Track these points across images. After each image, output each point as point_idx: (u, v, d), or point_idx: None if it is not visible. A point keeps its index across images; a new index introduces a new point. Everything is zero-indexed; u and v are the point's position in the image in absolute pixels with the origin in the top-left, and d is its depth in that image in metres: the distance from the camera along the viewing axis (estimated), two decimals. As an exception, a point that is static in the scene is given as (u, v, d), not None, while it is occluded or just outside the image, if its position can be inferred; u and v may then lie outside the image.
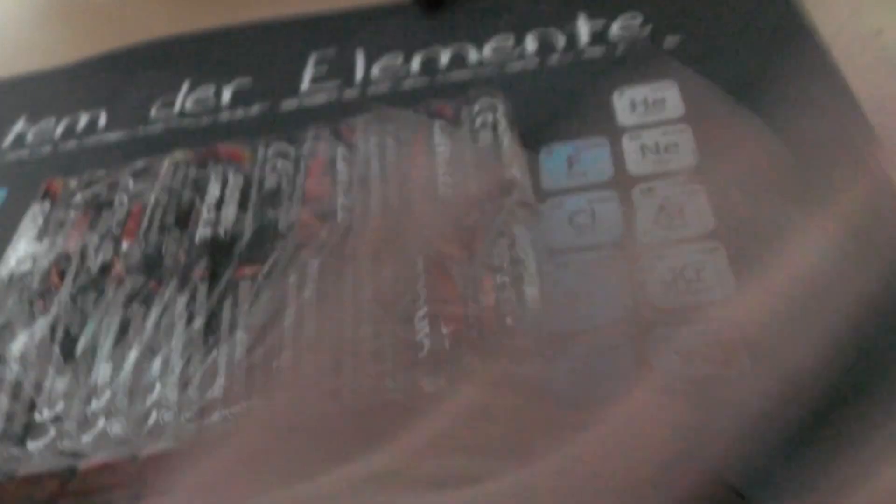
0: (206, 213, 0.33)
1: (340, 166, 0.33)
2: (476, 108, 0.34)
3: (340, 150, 0.34)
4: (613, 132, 0.35)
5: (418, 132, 0.34)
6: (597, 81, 0.37)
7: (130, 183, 0.36)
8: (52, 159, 0.42)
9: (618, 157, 0.34)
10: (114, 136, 0.43)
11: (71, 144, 0.43)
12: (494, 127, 0.33)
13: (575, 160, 0.34)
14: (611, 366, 0.26)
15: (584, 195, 0.33)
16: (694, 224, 0.30)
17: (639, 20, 0.40)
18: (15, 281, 0.33)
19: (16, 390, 0.29)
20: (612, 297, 0.29)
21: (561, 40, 0.40)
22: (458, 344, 0.26)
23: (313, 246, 0.30)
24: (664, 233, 0.30)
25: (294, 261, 0.30)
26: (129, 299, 0.31)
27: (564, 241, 0.31)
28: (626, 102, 0.36)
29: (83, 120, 0.44)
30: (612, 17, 0.41)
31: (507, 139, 0.33)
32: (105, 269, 0.33)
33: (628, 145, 0.34)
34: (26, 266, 0.34)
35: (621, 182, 0.33)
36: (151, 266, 0.32)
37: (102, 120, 0.44)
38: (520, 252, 0.28)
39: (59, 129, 0.44)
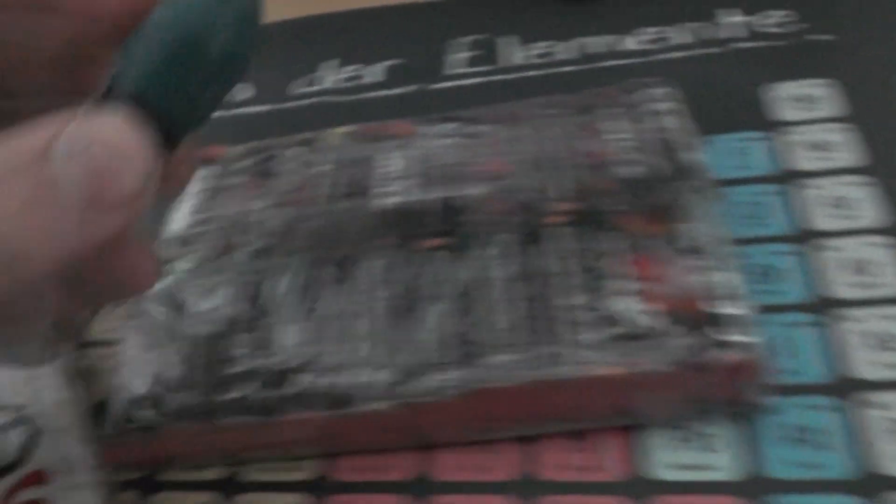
0: (381, 185, 0.33)
1: (514, 146, 0.33)
2: (643, 94, 0.34)
3: (512, 131, 0.34)
4: (770, 127, 0.35)
5: (590, 116, 0.34)
6: (750, 75, 0.37)
7: (298, 152, 0.36)
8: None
9: (777, 153, 0.34)
10: (261, 108, 0.43)
11: (220, 114, 0.43)
12: (662, 114, 0.33)
13: (736, 152, 0.34)
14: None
15: (749, 187, 0.33)
16: (867, 217, 0.30)
17: (790, 16, 0.40)
18: (186, 241, 0.34)
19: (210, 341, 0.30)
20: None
21: (712, 32, 0.40)
22: (674, 323, 0.26)
23: (503, 222, 0.30)
24: (837, 223, 0.30)
25: (487, 236, 0.30)
26: (313, 265, 0.31)
27: (734, 233, 0.31)
28: (781, 97, 0.36)
29: (234, 92, 0.44)
30: (763, 12, 0.41)
31: (679, 125, 0.33)
32: (284, 233, 0.33)
33: (786, 140, 0.34)
34: (196, 229, 0.34)
35: (783, 177, 0.33)
36: (330, 234, 0.32)
37: (250, 92, 0.44)
38: (711, 235, 0.28)
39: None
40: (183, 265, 0.33)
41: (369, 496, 0.27)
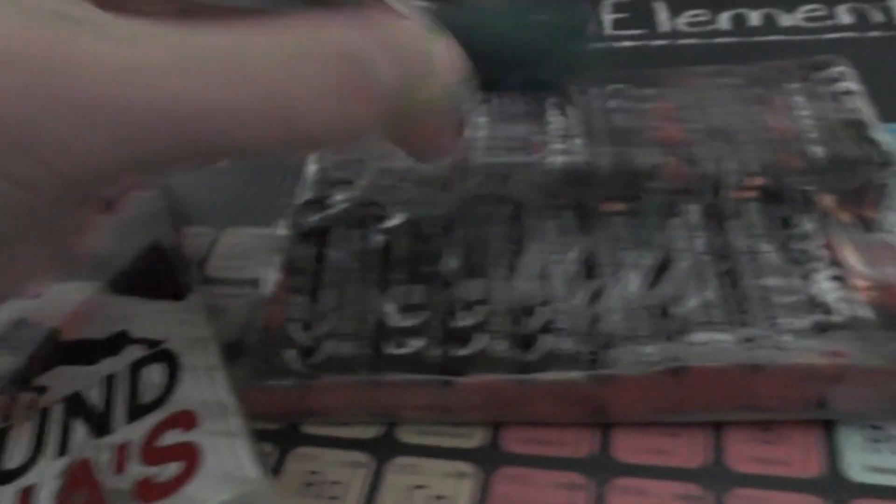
0: (555, 141, 0.31)
1: (693, 113, 0.31)
2: (829, 73, 0.32)
3: (689, 97, 0.32)
4: None
5: (773, 90, 0.32)
6: None
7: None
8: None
9: None
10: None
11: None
12: (844, 94, 0.32)
13: None
14: None
15: None
16: None
17: None
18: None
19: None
20: None
21: (877, 15, 0.38)
22: (876, 317, 0.24)
23: (686, 191, 0.28)
24: None
25: (671, 205, 0.28)
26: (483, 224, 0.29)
27: None
28: None
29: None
30: None
31: (867, 108, 0.31)
32: (440, 182, 0.31)
33: None
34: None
35: None
36: (499, 185, 0.30)
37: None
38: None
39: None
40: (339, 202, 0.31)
41: (542, 472, 0.25)
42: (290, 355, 0.27)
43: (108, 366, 0.27)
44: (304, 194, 0.31)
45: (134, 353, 0.28)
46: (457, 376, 0.25)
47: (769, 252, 0.26)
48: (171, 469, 0.24)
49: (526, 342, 0.26)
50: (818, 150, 0.29)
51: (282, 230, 0.31)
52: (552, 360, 0.25)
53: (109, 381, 0.27)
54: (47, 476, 0.25)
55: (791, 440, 0.25)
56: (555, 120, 0.32)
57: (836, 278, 0.25)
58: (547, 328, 0.26)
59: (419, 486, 0.25)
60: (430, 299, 0.27)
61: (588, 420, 0.26)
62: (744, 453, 0.25)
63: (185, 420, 0.25)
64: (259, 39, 0.17)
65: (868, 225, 0.27)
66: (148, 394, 0.26)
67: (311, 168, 0.33)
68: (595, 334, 0.25)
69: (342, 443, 0.27)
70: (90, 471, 0.25)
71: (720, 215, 0.28)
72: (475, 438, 0.26)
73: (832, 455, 0.25)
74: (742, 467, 0.25)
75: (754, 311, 0.25)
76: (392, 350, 0.26)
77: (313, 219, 0.30)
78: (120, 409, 0.26)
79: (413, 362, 0.26)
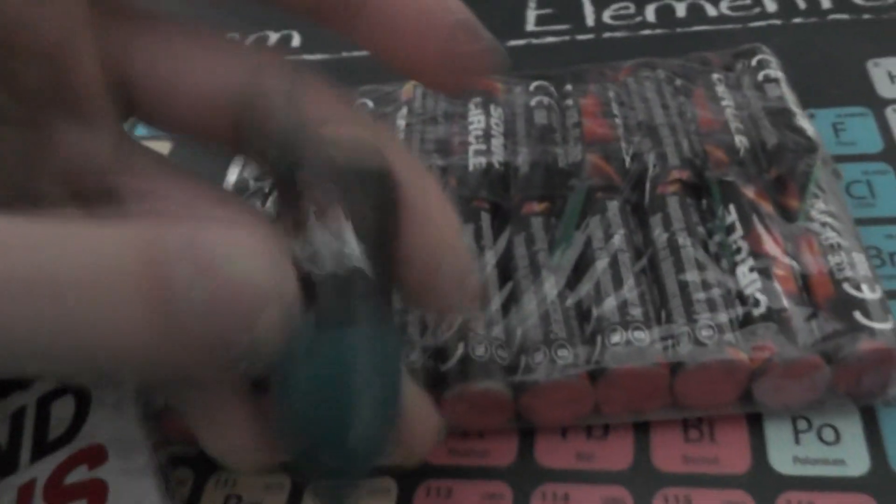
0: (473, 142, 0.31)
1: (616, 109, 0.31)
2: (752, 62, 0.32)
3: (612, 93, 0.32)
4: (875, 103, 0.33)
5: (697, 81, 0.32)
6: (846, 48, 0.35)
7: (370, 103, 0.34)
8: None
9: (885, 130, 0.32)
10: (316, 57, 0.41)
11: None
12: (769, 83, 0.31)
13: (840, 128, 0.33)
14: None
15: (857, 165, 0.31)
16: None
17: None
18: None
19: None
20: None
21: (802, 3, 0.38)
22: (799, 309, 0.24)
23: (608, 188, 0.28)
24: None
25: (590, 202, 0.27)
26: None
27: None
28: (884, 73, 0.34)
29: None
30: None
31: (790, 96, 0.30)
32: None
33: (894, 118, 0.32)
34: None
35: (894, 156, 0.31)
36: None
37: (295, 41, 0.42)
38: (839, 217, 0.26)
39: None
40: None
41: (466, 482, 0.24)
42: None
43: (16, 400, 0.27)
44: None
45: (43, 386, 0.27)
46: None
47: (689, 246, 0.26)
48: None
49: (440, 353, 0.25)
50: (741, 140, 0.29)
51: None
52: (468, 370, 0.24)
53: (17, 417, 0.26)
54: None
55: (718, 437, 0.25)
56: (476, 119, 0.31)
57: (758, 270, 0.25)
58: (460, 337, 0.25)
59: None
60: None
61: (508, 427, 0.25)
62: (670, 453, 0.25)
63: (93, 456, 0.25)
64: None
65: (790, 215, 0.26)
66: (56, 429, 0.26)
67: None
68: (510, 341, 0.25)
69: None
70: None
71: (641, 211, 0.27)
72: None
73: (760, 450, 0.24)
74: (670, 467, 0.24)
75: (674, 308, 0.24)
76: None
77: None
78: (26, 447, 0.25)
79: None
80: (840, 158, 0.31)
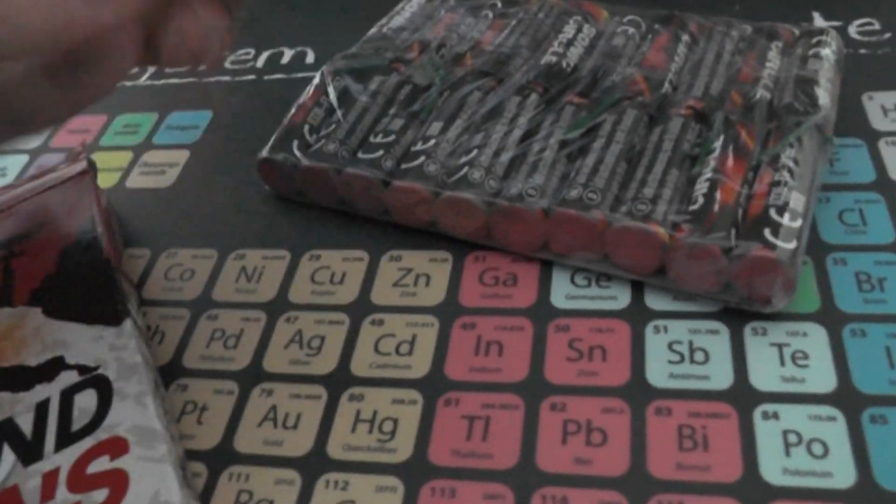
0: (556, 46, 0.38)
1: (680, 49, 0.37)
2: (813, 40, 0.37)
3: (684, 37, 0.38)
4: (868, 135, 0.36)
5: (756, 45, 0.37)
6: (843, 81, 0.37)
7: (499, 4, 0.42)
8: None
9: (877, 161, 0.35)
10: None
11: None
12: (818, 59, 0.36)
13: (834, 158, 0.35)
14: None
15: (850, 194, 0.34)
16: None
17: (876, 25, 0.41)
18: (386, 39, 0.40)
19: (360, 115, 0.36)
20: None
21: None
22: (724, 214, 0.30)
23: (635, 101, 0.34)
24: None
25: (615, 106, 0.34)
26: (470, 86, 0.36)
27: (836, 237, 0.32)
28: (877, 107, 0.37)
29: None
30: (847, 20, 0.42)
31: (831, 75, 0.35)
32: (458, 58, 0.39)
33: (886, 150, 0.35)
34: (398, 35, 0.41)
35: (885, 186, 0.34)
36: (496, 68, 0.37)
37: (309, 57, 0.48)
38: (802, 166, 0.31)
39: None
40: (372, 53, 0.39)
41: (469, 483, 0.27)
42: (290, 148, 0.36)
43: (41, 392, 0.28)
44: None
45: (68, 378, 0.28)
46: (396, 180, 0.33)
47: (668, 151, 0.32)
48: (98, 496, 0.24)
49: (452, 170, 0.33)
50: (761, 94, 0.34)
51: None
52: (463, 185, 0.32)
53: (41, 407, 0.27)
54: None
55: (712, 446, 0.27)
56: (568, 30, 0.39)
57: (710, 180, 0.31)
58: (470, 163, 0.33)
59: (347, 502, 0.27)
60: (403, 129, 0.35)
61: (479, 236, 0.33)
62: (665, 460, 0.26)
63: (115, 447, 0.26)
64: None
65: (773, 156, 0.32)
66: (79, 420, 0.26)
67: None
68: (505, 175, 0.33)
69: (272, 461, 0.28)
70: (18, 498, 0.25)
71: (652, 120, 0.34)
72: (402, 453, 0.28)
73: (752, 459, 0.26)
74: (664, 474, 0.26)
75: (631, 187, 0.31)
76: (361, 154, 0.34)
77: (356, 62, 0.39)
78: (51, 436, 0.26)
79: (375, 165, 0.34)
80: (833, 187, 0.34)
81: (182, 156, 0.42)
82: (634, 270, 0.31)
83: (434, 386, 0.29)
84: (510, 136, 0.34)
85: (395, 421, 0.29)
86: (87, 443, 0.26)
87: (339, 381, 0.30)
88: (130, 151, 0.43)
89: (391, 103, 0.37)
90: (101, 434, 0.26)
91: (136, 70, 0.49)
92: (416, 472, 0.27)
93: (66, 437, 0.26)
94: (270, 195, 0.38)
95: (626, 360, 0.29)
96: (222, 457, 0.29)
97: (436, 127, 0.35)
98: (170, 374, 0.32)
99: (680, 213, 0.30)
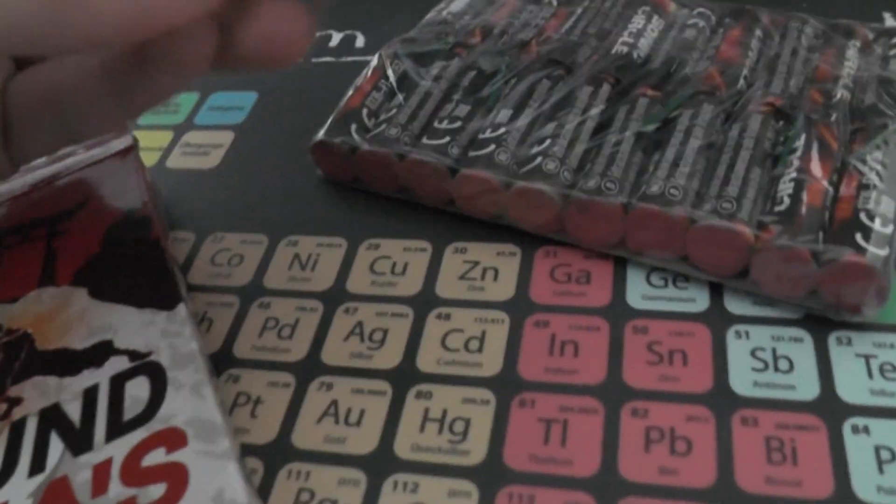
0: (626, 36, 0.37)
1: (754, 44, 0.36)
2: (894, 40, 0.36)
3: (758, 32, 0.37)
4: None
5: (833, 42, 0.36)
6: None
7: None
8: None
9: None
10: None
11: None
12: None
13: None
14: None
15: None
16: None
17: None
18: (446, 23, 0.39)
19: (423, 100, 0.35)
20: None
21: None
22: (812, 216, 0.28)
23: (711, 96, 0.33)
24: None
25: (691, 101, 0.33)
26: (538, 74, 0.35)
27: None
28: None
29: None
30: None
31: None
32: (522, 45, 0.37)
33: None
34: (458, 20, 0.39)
35: None
36: (564, 56, 0.36)
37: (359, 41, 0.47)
38: (890, 169, 0.30)
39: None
40: (433, 37, 0.38)
41: (546, 490, 0.26)
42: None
43: (88, 377, 0.26)
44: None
45: (118, 364, 0.26)
46: (464, 168, 0.32)
47: (750, 149, 0.31)
48: (155, 491, 0.23)
49: (523, 160, 0.32)
50: (842, 93, 0.33)
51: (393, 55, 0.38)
52: (537, 175, 0.31)
53: (90, 393, 0.25)
54: (19, 495, 0.23)
55: (805, 462, 0.25)
56: (637, 21, 0.38)
57: (795, 181, 0.30)
58: (543, 153, 0.32)
59: None
60: (469, 116, 0.34)
61: (550, 230, 0.31)
62: (753, 474, 0.25)
63: (172, 439, 0.24)
64: None
65: (859, 157, 0.31)
66: (131, 409, 0.25)
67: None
68: (579, 167, 0.31)
69: (334, 458, 0.26)
70: (68, 491, 0.23)
71: (729, 117, 0.33)
72: (476, 456, 0.26)
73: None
74: (751, 488, 0.25)
75: (713, 185, 0.30)
76: (421, 142, 0.33)
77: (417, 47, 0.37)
78: (101, 425, 0.24)
79: (440, 152, 0.33)
80: None
81: (227, 137, 0.41)
82: (715, 272, 0.30)
83: (507, 386, 0.28)
84: (583, 126, 0.32)
85: (467, 421, 0.27)
86: (140, 433, 0.24)
87: (405, 377, 0.29)
88: (171, 131, 0.42)
89: (455, 89, 0.35)
90: (155, 425, 0.24)
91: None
92: (491, 476, 0.26)
93: (118, 427, 0.24)
94: (322, 180, 0.37)
95: (708, 366, 0.28)
96: (280, 453, 0.27)
97: (504, 114, 0.33)
98: (220, 364, 0.30)
99: (765, 213, 0.29)
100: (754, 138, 0.31)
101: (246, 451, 0.27)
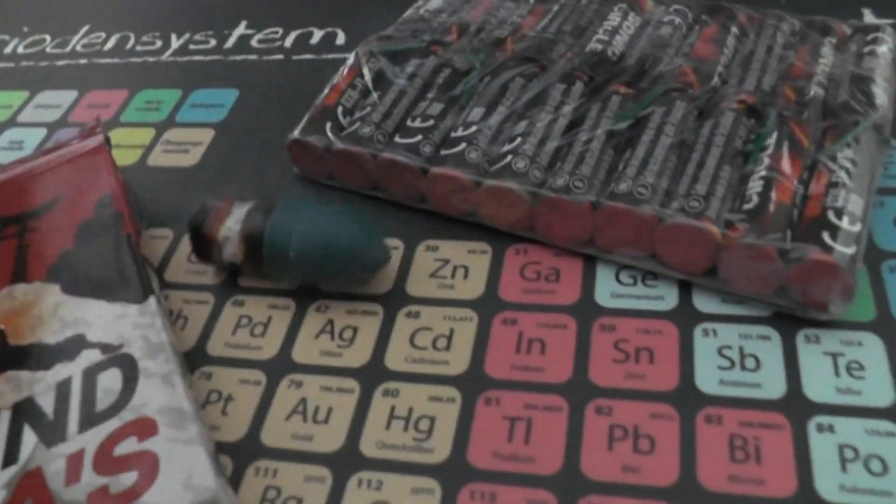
0: (601, 33, 0.37)
1: (730, 41, 0.36)
2: (868, 37, 0.36)
3: (734, 29, 0.36)
4: None
5: (808, 40, 0.36)
6: None
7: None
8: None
9: None
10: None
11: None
12: (873, 56, 0.35)
13: (888, 161, 0.34)
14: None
15: None
16: None
17: None
18: (423, 20, 0.39)
19: (397, 98, 0.35)
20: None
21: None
22: (780, 214, 0.28)
23: (684, 93, 0.33)
24: None
25: (664, 99, 0.33)
26: (512, 71, 0.35)
27: (892, 244, 0.31)
28: None
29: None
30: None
31: (889, 73, 0.34)
32: (498, 42, 0.37)
33: None
34: (435, 17, 0.39)
35: None
36: (539, 54, 0.36)
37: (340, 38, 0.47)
38: (860, 167, 0.30)
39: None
40: (408, 36, 0.38)
41: (509, 488, 0.29)
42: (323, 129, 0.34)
43: (62, 371, 0.26)
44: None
45: (90, 357, 0.26)
46: (436, 167, 0.32)
47: (720, 146, 0.31)
48: (126, 479, 0.23)
49: (494, 158, 0.32)
50: (815, 90, 0.33)
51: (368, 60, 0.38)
52: (507, 174, 0.31)
53: (63, 386, 0.26)
54: None
55: (768, 460, 0.26)
56: (613, 19, 0.38)
57: (765, 178, 0.30)
58: (514, 151, 0.32)
59: (381, 503, 0.25)
60: (442, 114, 0.34)
61: (520, 227, 0.32)
62: (716, 472, 0.25)
63: (143, 428, 0.24)
64: None
65: (829, 154, 0.31)
66: (104, 400, 0.25)
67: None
68: (550, 165, 0.31)
69: (301, 456, 0.27)
70: (41, 481, 0.23)
71: (702, 114, 0.33)
72: (440, 454, 0.26)
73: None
74: (713, 486, 0.25)
75: (683, 182, 0.30)
76: (393, 140, 0.33)
77: (391, 45, 0.37)
78: (73, 417, 0.25)
79: (413, 150, 0.33)
80: (889, 191, 0.33)
81: (207, 134, 0.41)
82: (684, 270, 0.30)
83: (474, 384, 0.28)
84: (555, 124, 0.32)
85: (433, 419, 0.27)
86: (112, 423, 0.24)
87: (373, 375, 0.29)
88: (153, 128, 0.42)
89: (429, 87, 0.35)
90: (127, 414, 0.25)
91: (159, 45, 0.47)
92: (454, 474, 0.26)
93: (91, 418, 0.25)
94: (299, 177, 0.37)
95: (675, 364, 0.28)
96: (249, 450, 0.28)
97: (477, 113, 0.33)
98: (193, 361, 0.30)
99: (734, 211, 0.29)
100: (725, 136, 0.31)
101: (217, 448, 0.27)
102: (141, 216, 0.36)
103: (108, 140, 0.36)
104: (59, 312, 0.28)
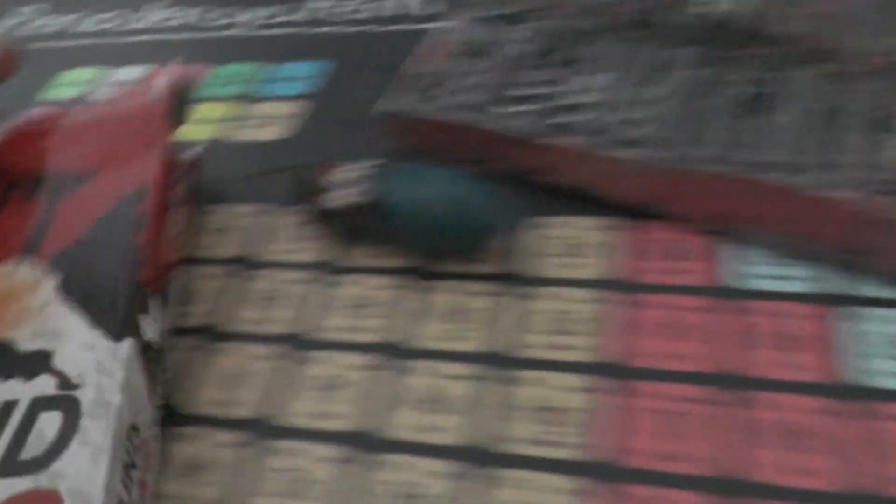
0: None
1: None
2: None
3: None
4: None
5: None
6: None
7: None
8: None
9: None
10: None
11: None
12: None
13: None
14: None
15: None
16: None
17: None
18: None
19: (498, 66, 0.32)
20: None
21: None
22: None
23: (817, 52, 0.29)
24: None
25: (799, 59, 0.29)
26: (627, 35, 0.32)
27: None
28: None
29: None
30: None
31: None
32: (610, 5, 0.34)
33: None
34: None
35: None
36: (651, 18, 0.32)
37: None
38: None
39: None
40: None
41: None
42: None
43: (14, 389, 0.24)
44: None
45: (44, 385, 0.24)
46: (546, 137, 0.29)
47: (860, 114, 0.27)
48: None
49: (611, 127, 0.28)
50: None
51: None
52: (626, 144, 0.28)
53: (6, 409, 0.24)
54: None
55: None
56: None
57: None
58: (635, 120, 0.28)
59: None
60: (548, 83, 0.31)
61: (638, 202, 0.28)
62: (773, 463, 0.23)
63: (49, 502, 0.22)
64: None
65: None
66: (32, 448, 0.23)
67: None
68: (675, 135, 0.28)
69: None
70: None
71: (840, 80, 0.29)
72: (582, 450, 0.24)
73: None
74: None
75: (822, 153, 0.26)
76: (499, 109, 0.30)
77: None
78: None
79: (518, 120, 0.30)
80: None
81: (295, 107, 0.38)
82: (831, 246, 0.26)
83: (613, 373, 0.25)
84: (676, 91, 0.29)
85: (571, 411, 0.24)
86: (25, 483, 0.22)
87: (503, 363, 0.26)
88: (237, 102, 0.39)
89: (534, 54, 0.32)
90: (42, 479, 0.22)
91: (244, 18, 0.45)
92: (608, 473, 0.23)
93: (12, 465, 0.22)
94: (393, 151, 0.34)
95: (833, 354, 0.24)
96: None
97: (587, 80, 0.30)
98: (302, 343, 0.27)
99: (874, 182, 0.25)
100: (864, 103, 0.27)
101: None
102: (199, 199, 0.33)
103: (183, 90, 0.31)
104: (43, 313, 0.26)
